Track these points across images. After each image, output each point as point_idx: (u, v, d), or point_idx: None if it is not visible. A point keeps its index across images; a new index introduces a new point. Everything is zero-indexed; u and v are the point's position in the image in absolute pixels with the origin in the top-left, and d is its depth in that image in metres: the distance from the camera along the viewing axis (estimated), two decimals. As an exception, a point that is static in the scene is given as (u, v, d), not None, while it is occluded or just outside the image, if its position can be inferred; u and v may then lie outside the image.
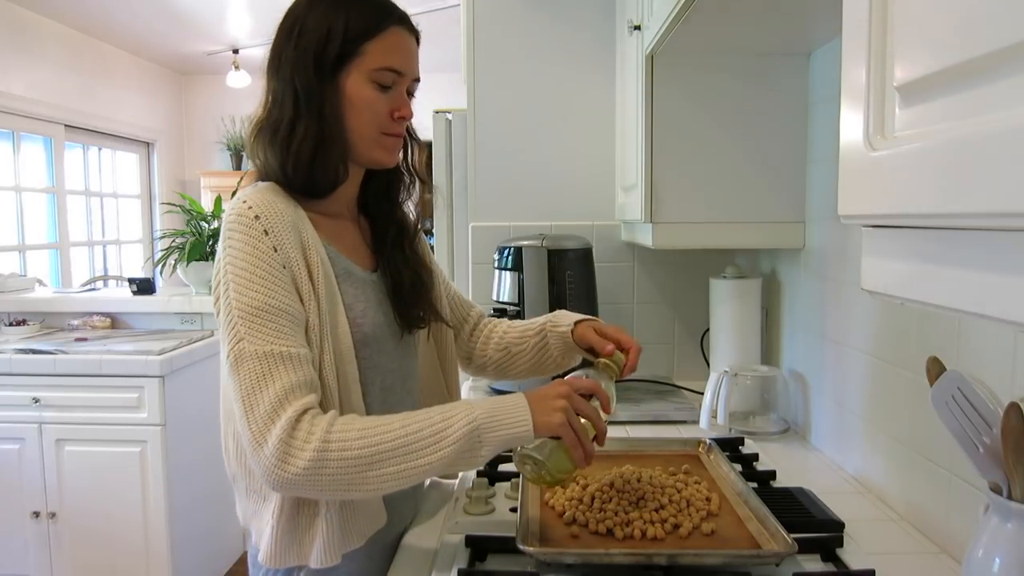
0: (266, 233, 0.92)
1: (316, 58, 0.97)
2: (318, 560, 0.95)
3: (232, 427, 1.02)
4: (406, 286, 1.11)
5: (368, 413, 1.01)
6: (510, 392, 0.96)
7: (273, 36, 1.02)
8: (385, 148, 1.04)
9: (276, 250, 0.92)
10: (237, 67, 5.24)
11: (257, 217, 0.93)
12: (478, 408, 0.90)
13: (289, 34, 0.99)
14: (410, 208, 1.18)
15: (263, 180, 1.02)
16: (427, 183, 1.20)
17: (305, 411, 0.87)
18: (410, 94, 1.06)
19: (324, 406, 0.93)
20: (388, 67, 1.00)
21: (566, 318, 1.21)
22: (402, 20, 1.03)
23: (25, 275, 3.58)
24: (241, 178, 3.73)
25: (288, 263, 0.93)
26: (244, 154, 5.82)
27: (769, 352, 1.81)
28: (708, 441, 1.35)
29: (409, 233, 1.16)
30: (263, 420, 0.86)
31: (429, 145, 2.08)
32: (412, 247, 1.16)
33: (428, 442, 0.87)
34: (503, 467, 1.37)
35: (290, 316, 0.91)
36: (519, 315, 1.78)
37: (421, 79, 1.07)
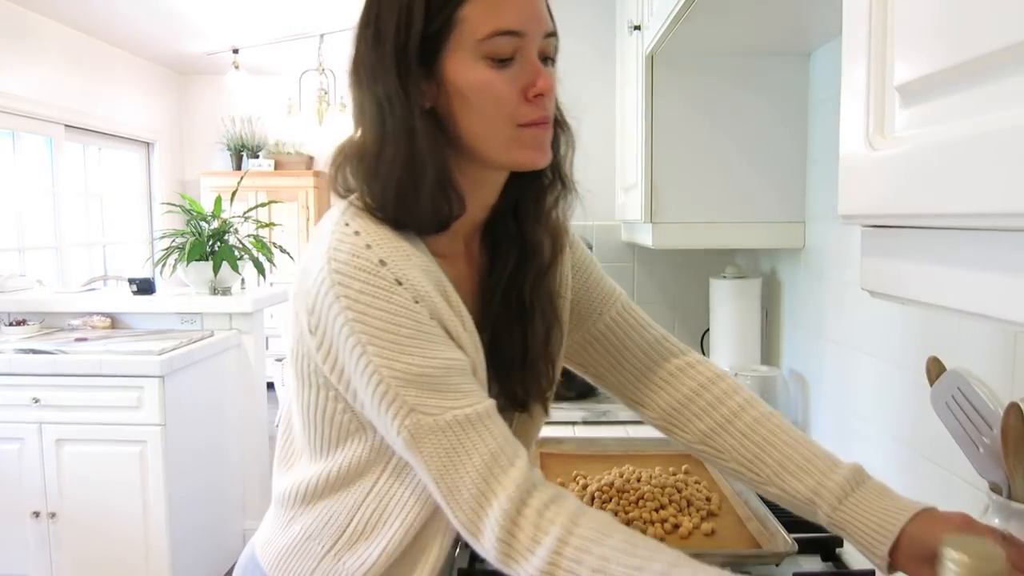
0: (399, 283, 0.70)
1: (398, 51, 0.71)
2: None
3: (296, 446, 0.84)
4: (506, 356, 0.83)
5: None
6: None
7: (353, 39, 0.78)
8: (525, 144, 0.75)
9: (417, 302, 0.70)
10: (237, 67, 5.23)
11: (383, 262, 0.70)
12: None
13: (365, 28, 0.75)
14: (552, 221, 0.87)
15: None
16: (570, 188, 0.89)
17: (523, 500, 0.67)
18: (547, 58, 0.77)
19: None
20: (500, 29, 0.71)
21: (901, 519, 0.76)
22: None
23: (25, 275, 3.58)
24: (242, 177, 3.73)
25: (435, 312, 0.72)
26: (247, 151, 5.85)
27: (769, 352, 1.81)
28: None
29: (536, 266, 0.84)
30: (472, 501, 0.68)
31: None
32: (537, 288, 0.85)
33: None
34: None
35: (458, 370, 0.71)
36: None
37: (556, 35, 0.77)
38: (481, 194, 0.80)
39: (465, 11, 0.70)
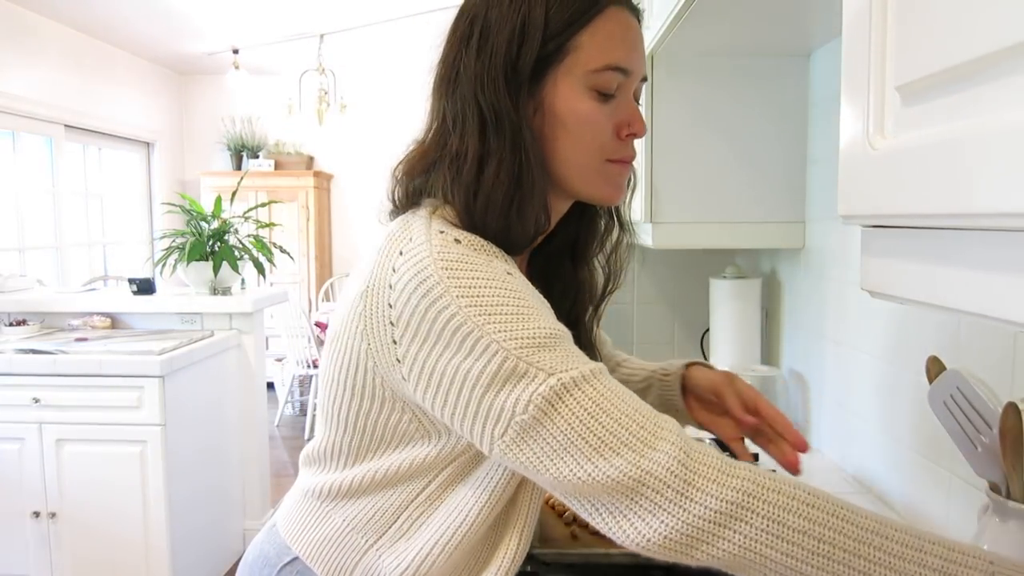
0: (509, 272, 0.69)
1: (508, 66, 0.71)
2: None
3: (340, 437, 0.79)
4: None
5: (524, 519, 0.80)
6: None
7: (443, 44, 0.77)
8: (610, 180, 0.77)
9: (514, 276, 0.69)
10: (237, 67, 5.23)
11: (487, 250, 0.71)
12: (1005, 566, 0.59)
13: (467, 38, 0.74)
14: (602, 266, 0.88)
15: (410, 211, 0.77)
16: (630, 231, 0.88)
17: (689, 439, 0.64)
18: (636, 100, 0.78)
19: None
20: (612, 65, 0.73)
21: (678, 364, 0.93)
22: None
23: (25, 275, 3.58)
24: (242, 177, 3.73)
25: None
26: (247, 151, 5.85)
27: (769, 352, 1.81)
28: (708, 440, 1.35)
29: (591, 308, 0.87)
30: (636, 448, 0.62)
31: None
32: (588, 331, 0.87)
33: (912, 570, 0.58)
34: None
35: (571, 339, 0.69)
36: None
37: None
38: None
39: (582, 39, 0.72)
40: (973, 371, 0.76)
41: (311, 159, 5.99)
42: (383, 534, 0.78)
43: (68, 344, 2.66)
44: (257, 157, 5.91)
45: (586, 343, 0.86)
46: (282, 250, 3.22)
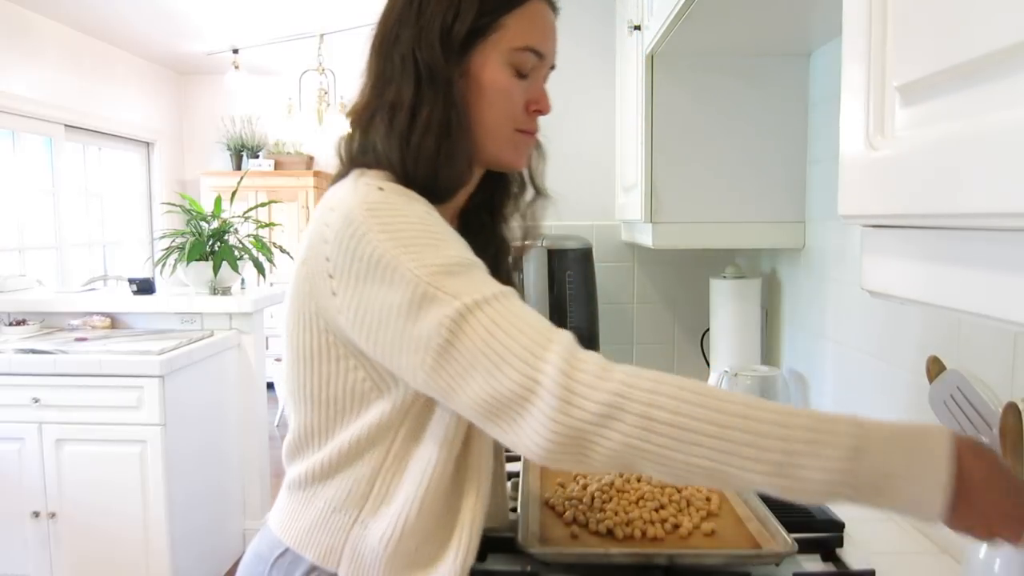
0: (428, 212, 0.77)
1: (444, 31, 0.80)
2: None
3: (310, 418, 0.84)
4: None
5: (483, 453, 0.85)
6: None
7: (383, 7, 0.86)
8: (516, 147, 0.87)
9: (431, 214, 0.77)
10: (237, 67, 5.23)
11: (408, 195, 0.78)
12: (872, 428, 0.62)
13: (407, 4, 0.83)
14: (516, 224, 0.97)
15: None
16: (545, 195, 0.98)
17: (577, 346, 0.68)
18: (544, 83, 0.89)
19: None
20: (529, 46, 0.83)
21: None
22: None
23: (25, 275, 3.58)
24: (242, 177, 3.73)
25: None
26: (247, 151, 5.85)
27: (769, 352, 1.81)
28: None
29: (510, 256, 0.97)
30: (527, 359, 0.66)
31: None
32: (510, 274, 0.96)
33: (798, 446, 0.61)
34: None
35: (485, 269, 0.75)
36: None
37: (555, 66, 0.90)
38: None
39: (508, 21, 0.82)
40: (973, 371, 0.76)
41: (311, 159, 5.99)
42: (363, 507, 0.81)
43: (68, 344, 2.66)
44: (257, 157, 5.91)
45: None
46: (282, 250, 3.22)
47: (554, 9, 0.88)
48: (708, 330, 1.89)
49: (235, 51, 5.21)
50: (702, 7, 1.22)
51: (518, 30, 0.82)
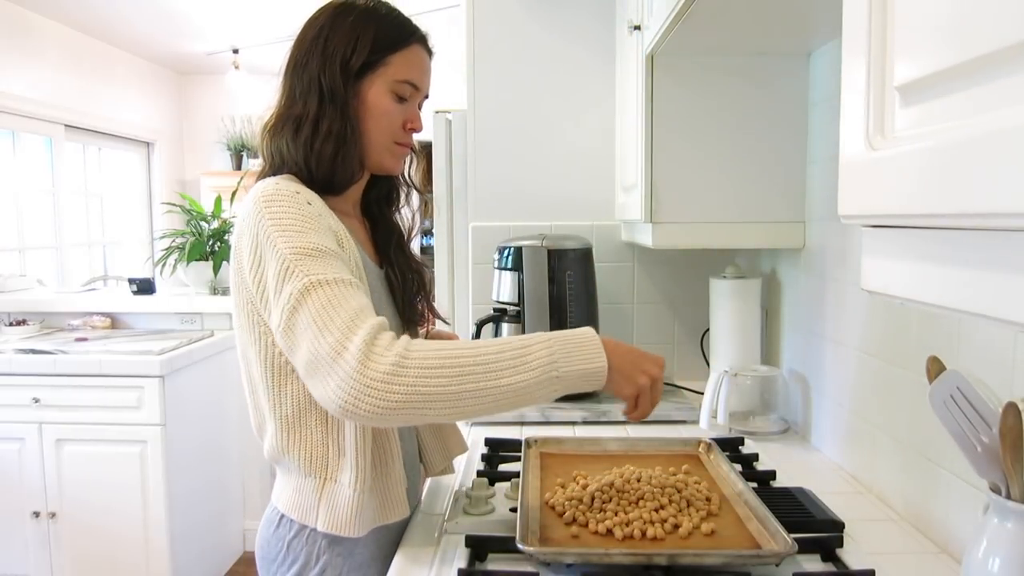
0: (309, 203, 0.97)
1: (343, 62, 1.03)
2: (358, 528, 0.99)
3: (269, 405, 1.02)
4: (411, 284, 1.17)
5: None
6: None
7: (294, 39, 1.08)
8: (394, 156, 1.11)
9: (320, 216, 0.97)
10: (237, 67, 5.23)
11: (298, 192, 0.98)
12: (554, 337, 0.91)
13: (316, 39, 1.05)
14: (406, 214, 1.24)
15: (277, 173, 1.05)
16: (423, 193, 1.27)
17: (383, 329, 0.87)
18: (419, 107, 1.13)
19: None
20: (408, 80, 1.07)
21: None
22: (423, 40, 1.11)
23: (25, 275, 3.58)
24: (242, 177, 3.73)
25: (333, 232, 0.98)
26: (247, 151, 5.84)
27: (769, 352, 1.81)
28: (708, 441, 1.35)
29: (405, 238, 1.22)
30: (342, 330, 0.85)
31: (429, 149, 2.08)
32: (408, 250, 1.22)
33: (507, 364, 0.87)
34: (503, 467, 1.37)
35: (342, 260, 0.94)
36: (519, 315, 1.78)
37: (429, 94, 1.14)
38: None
39: (393, 59, 1.06)
40: (973, 371, 0.76)
41: (311, 159, 5.98)
42: (327, 466, 1.00)
43: (68, 344, 2.66)
44: (257, 157, 5.89)
45: (404, 268, 1.16)
46: (282, 250, 3.22)
47: (430, 53, 1.12)
48: (708, 330, 1.89)
49: (235, 51, 5.21)
50: (702, 7, 1.22)
51: (400, 66, 1.06)
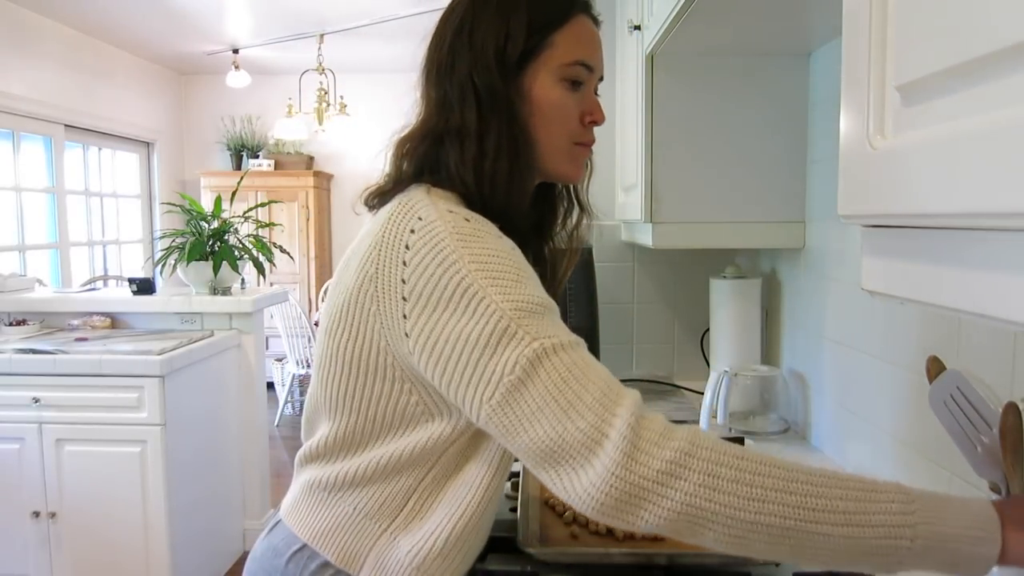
0: (514, 247, 0.77)
1: (497, 55, 0.83)
2: None
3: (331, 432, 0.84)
4: None
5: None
6: None
7: (430, 41, 0.88)
8: (575, 160, 0.89)
9: (516, 251, 0.77)
10: (237, 67, 5.23)
11: (486, 224, 0.78)
12: (916, 494, 0.64)
13: (458, 34, 0.85)
14: (561, 239, 0.98)
15: (416, 183, 0.84)
16: (591, 214, 0.99)
17: (644, 408, 0.69)
18: (595, 94, 0.91)
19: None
20: (579, 60, 0.85)
21: None
22: (586, 7, 0.89)
23: (25, 275, 3.58)
24: (242, 177, 3.73)
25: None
26: (247, 151, 5.84)
27: (769, 352, 1.81)
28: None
29: (557, 278, 0.97)
30: (596, 412, 0.67)
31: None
32: (555, 293, 0.94)
33: (834, 506, 0.62)
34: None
35: (558, 312, 0.77)
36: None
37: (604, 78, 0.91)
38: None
39: (557, 38, 0.84)
40: (973, 371, 0.76)
41: (311, 159, 5.99)
42: (394, 519, 0.81)
43: (68, 344, 2.66)
44: (257, 157, 5.91)
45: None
46: (282, 250, 3.22)
47: (596, 23, 0.90)
48: (708, 330, 1.89)
49: (235, 51, 5.21)
50: (702, 7, 1.22)
51: (567, 46, 0.84)
